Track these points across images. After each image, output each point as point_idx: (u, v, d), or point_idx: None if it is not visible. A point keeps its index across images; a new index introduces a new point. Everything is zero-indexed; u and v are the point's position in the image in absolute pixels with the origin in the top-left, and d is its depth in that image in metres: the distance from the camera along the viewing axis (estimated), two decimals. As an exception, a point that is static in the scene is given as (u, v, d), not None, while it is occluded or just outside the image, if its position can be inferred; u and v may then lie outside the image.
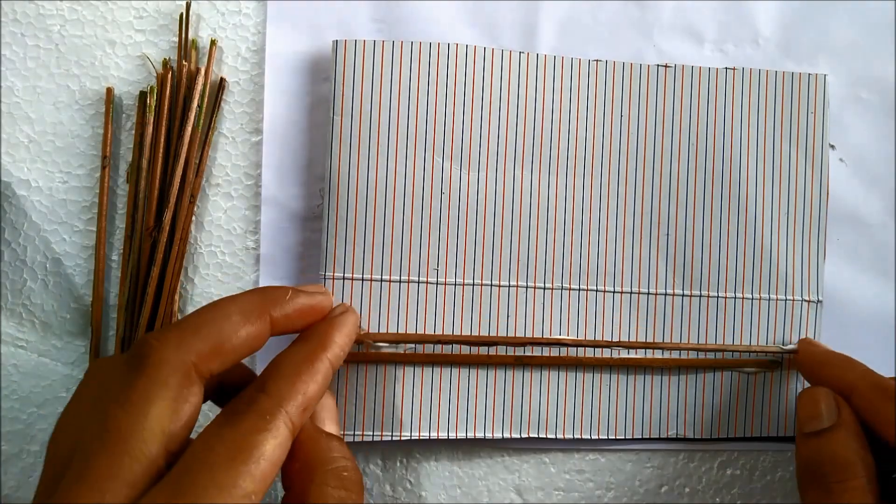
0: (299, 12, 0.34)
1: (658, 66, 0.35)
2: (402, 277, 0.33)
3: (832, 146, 0.36)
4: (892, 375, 0.36)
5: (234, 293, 0.33)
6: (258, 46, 0.34)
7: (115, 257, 0.34)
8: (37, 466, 0.33)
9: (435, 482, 0.34)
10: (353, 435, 0.33)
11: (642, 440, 0.35)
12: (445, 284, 0.33)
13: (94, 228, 0.33)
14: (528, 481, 0.35)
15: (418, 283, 0.33)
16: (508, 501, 0.35)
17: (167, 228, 0.32)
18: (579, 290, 0.34)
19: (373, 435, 0.33)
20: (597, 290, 0.34)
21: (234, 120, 0.34)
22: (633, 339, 0.34)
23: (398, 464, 0.34)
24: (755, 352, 0.35)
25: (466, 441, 0.34)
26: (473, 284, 0.34)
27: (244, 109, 0.34)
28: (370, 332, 0.33)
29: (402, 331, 0.33)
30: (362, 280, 0.33)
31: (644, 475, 0.35)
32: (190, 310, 0.34)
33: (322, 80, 0.34)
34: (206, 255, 0.34)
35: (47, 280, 0.33)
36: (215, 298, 0.33)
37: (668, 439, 0.35)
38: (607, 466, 0.35)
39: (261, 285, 0.34)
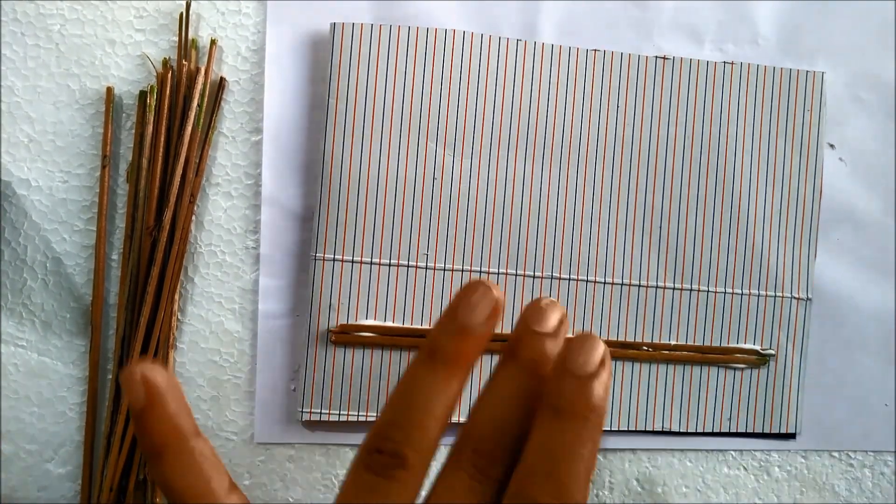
0: (299, 12, 0.34)
1: (657, 57, 0.35)
2: (392, 261, 0.33)
3: (832, 146, 0.36)
4: (892, 375, 0.36)
5: (233, 293, 0.34)
6: (258, 46, 0.34)
7: (115, 256, 0.34)
8: (37, 466, 0.33)
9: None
10: (339, 415, 0.33)
11: (628, 433, 0.35)
12: (434, 269, 0.33)
13: (94, 228, 0.33)
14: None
15: (408, 267, 0.33)
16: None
17: (167, 228, 0.32)
18: (569, 279, 0.34)
19: (357, 415, 0.33)
20: (587, 281, 0.34)
21: (234, 119, 0.34)
22: (621, 329, 0.34)
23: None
24: (732, 352, 0.35)
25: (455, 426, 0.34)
26: (462, 270, 0.34)
27: (244, 109, 0.34)
28: (357, 319, 0.33)
29: (389, 313, 0.33)
30: (352, 262, 0.33)
31: (644, 475, 0.35)
32: (190, 309, 0.34)
33: (322, 79, 0.34)
34: (206, 255, 0.34)
35: (47, 279, 0.33)
36: (215, 298, 0.34)
37: (654, 432, 0.35)
38: (607, 466, 0.35)
39: (260, 285, 0.34)
